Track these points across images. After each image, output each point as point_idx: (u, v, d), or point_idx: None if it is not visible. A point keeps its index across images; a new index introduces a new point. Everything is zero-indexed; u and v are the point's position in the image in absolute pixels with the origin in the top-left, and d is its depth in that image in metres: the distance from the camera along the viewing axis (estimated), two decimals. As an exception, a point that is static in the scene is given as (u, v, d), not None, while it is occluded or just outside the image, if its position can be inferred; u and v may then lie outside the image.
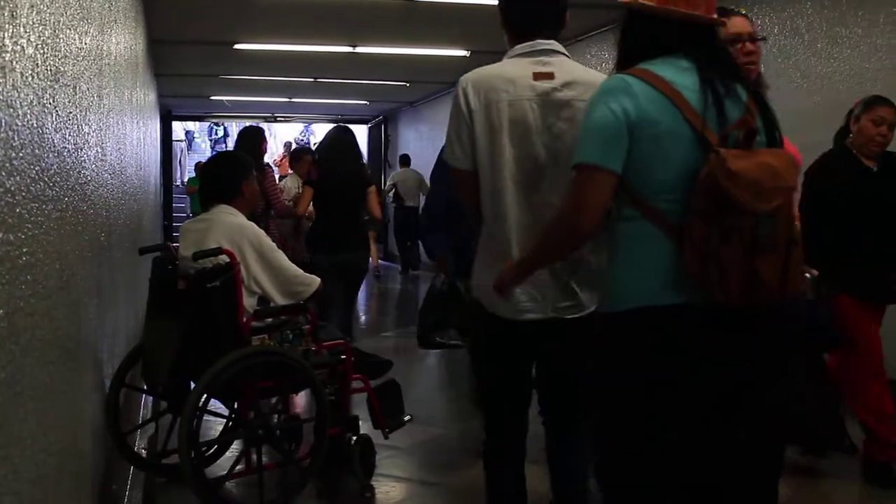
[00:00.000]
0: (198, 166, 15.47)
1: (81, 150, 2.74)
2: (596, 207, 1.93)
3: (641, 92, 1.91)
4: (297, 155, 6.67)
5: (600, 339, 2.03)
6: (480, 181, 2.42)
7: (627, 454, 2.00)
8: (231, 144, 14.58)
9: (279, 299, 3.43)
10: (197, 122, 22.31)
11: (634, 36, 2.05)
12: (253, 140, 5.81)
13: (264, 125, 20.64)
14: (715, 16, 2.00)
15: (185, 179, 17.83)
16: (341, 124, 5.81)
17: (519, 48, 2.43)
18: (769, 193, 1.83)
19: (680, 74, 1.94)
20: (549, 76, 2.35)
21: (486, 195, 2.43)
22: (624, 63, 2.03)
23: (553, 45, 2.41)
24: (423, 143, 14.00)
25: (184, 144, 21.46)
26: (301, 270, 3.55)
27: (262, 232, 3.47)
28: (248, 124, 13.61)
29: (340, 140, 5.41)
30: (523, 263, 2.24)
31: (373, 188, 5.40)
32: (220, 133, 22.33)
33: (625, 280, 1.97)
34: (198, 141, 22.75)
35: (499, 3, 2.51)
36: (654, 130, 1.90)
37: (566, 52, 2.44)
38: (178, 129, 20.74)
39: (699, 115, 1.89)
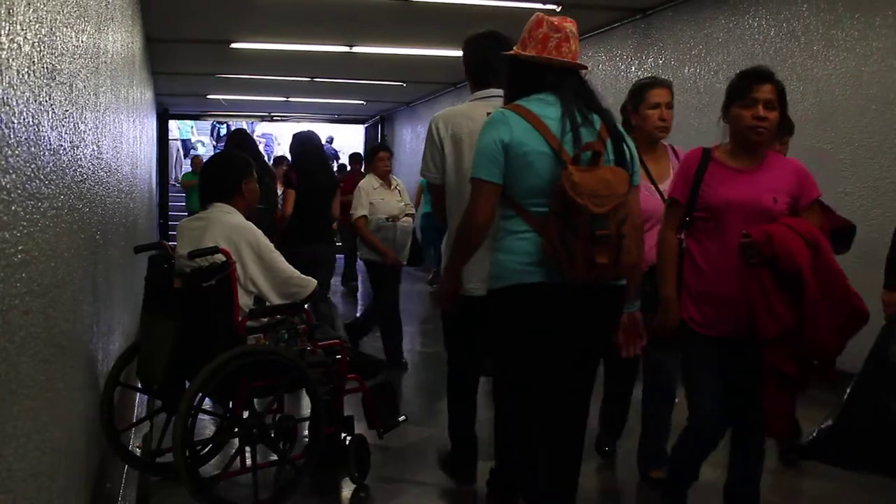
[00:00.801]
0: (195, 162, 15.38)
1: (77, 148, 2.73)
2: (486, 209, 2.57)
3: (514, 122, 2.53)
4: (374, 153, 6.37)
5: (489, 307, 2.66)
6: (448, 192, 3.30)
7: (509, 375, 2.73)
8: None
9: (275, 300, 3.43)
10: (194, 128, 22.29)
11: (521, 77, 2.64)
12: (249, 142, 6.03)
13: (262, 125, 20.72)
14: (578, 61, 2.60)
15: (180, 176, 17.77)
16: (308, 130, 6.31)
17: (477, 94, 3.33)
18: (604, 199, 2.41)
19: (546, 108, 2.54)
20: None
21: (453, 203, 3.21)
22: (512, 97, 2.63)
23: (502, 92, 2.97)
24: (419, 143, 13.99)
25: (178, 144, 21.41)
26: (297, 272, 3.55)
27: (259, 232, 3.46)
28: (235, 127, 13.60)
29: (313, 145, 6.00)
30: (448, 263, 2.84)
31: (339, 190, 6.12)
32: (224, 132, 22.29)
33: (503, 263, 2.58)
34: (202, 143, 22.70)
35: (463, 61, 3.37)
36: (522, 150, 2.51)
37: None
38: (176, 132, 20.71)
39: (557, 139, 2.49)
